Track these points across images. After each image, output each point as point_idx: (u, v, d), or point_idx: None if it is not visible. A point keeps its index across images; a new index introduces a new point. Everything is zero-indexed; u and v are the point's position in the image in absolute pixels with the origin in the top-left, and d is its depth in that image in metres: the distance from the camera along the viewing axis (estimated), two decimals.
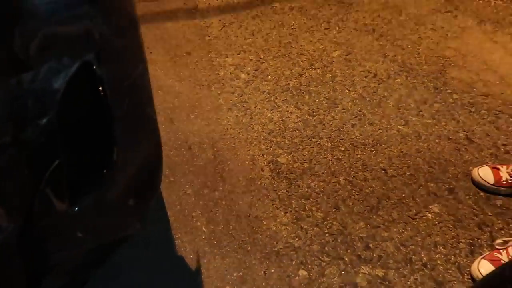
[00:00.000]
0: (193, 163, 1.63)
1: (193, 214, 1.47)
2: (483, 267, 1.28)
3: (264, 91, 1.93)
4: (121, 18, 0.87)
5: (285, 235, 1.41)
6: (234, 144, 1.70)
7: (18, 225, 0.65)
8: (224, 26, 2.29)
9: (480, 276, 1.26)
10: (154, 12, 2.37)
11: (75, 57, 0.70)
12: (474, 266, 1.30)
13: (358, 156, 1.65)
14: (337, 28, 2.27)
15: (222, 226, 1.44)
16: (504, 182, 1.48)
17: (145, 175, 1.00)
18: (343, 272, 1.32)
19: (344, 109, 1.84)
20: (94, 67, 0.71)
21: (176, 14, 2.36)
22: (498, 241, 1.34)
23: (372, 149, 1.67)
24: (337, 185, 1.56)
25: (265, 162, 1.63)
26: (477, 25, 2.26)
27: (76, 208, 0.73)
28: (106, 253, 1.02)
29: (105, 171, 0.80)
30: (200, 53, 2.13)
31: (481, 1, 2.45)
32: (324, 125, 1.77)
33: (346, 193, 1.53)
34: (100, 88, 0.75)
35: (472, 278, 1.30)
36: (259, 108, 1.84)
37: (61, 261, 0.78)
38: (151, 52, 2.10)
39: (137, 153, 0.93)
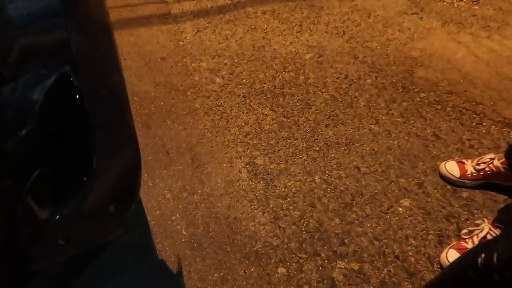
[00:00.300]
0: (171, 167, 1.65)
1: (173, 218, 1.49)
2: (451, 256, 1.35)
3: (240, 95, 1.96)
4: (96, 29, 0.89)
5: (263, 235, 1.45)
6: (211, 147, 1.73)
7: (0, 233, 0.67)
8: (198, 31, 2.32)
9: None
10: (127, 18, 2.38)
11: (52, 69, 0.72)
12: (442, 256, 1.37)
13: (332, 155, 1.71)
14: (309, 31, 2.33)
15: (201, 229, 1.47)
16: (469, 175, 1.56)
17: (125, 181, 1.02)
18: (320, 268, 1.37)
19: (317, 110, 1.90)
20: (72, 79, 0.73)
21: (150, 20, 2.37)
22: (464, 231, 1.42)
23: (345, 148, 1.74)
24: (313, 184, 1.61)
25: (243, 164, 1.67)
26: (441, 26, 2.37)
27: (57, 216, 0.74)
28: (87, 260, 1.03)
29: (85, 178, 0.82)
30: (174, 58, 2.15)
31: (445, 3, 2.57)
32: (298, 126, 1.82)
33: (321, 192, 1.58)
34: (78, 98, 0.76)
35: (441, 267, 1.37)
36: (235, 112, 1.88)
37: (43, 268, 0.79)
38: (125, 59, 2.11)
39: (116, 160, 0.95)
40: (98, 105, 0.84)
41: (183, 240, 1.44)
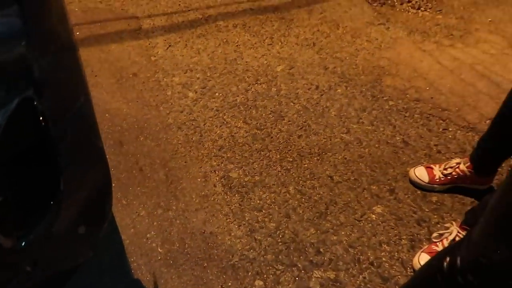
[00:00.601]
0: (145, 184, 1.64)
1: (148, 235, 1.48)
2: (423, 260, 1.38)
3: (213, 108, 1.97)
4: (60, 49, 0.89)
5: (240, 248, 1.46)
6: (185, 162, 1.73)
7: None
8: (169, 45, 2.32)
9: None
10: (98, 34, 2.36)
11: (14, 92, 0.71)
12: (415, 260, 1.40)
13: (306, 165, 1.74)
14: (280, 44, 2.37)
15: (177, 245, 1.46)
16: (438, 180, 1.61)
17: (94, 202, 1.00)
18: (297, 278, 1.38)
19: (290, 121, 1.93)
20: (35, 103, 0.73)
21: (120, 36, 2.37)
22: (435, 234, 1.46)
23: (318, 157, 1.77)
24: (287, 195, 1.63)
25: (217, 178, 1.67)
26: (407, 36, 2.45)
27: (23, 243, 0.73)
28: (59, 284, 1.01)
29: (52, 202, 0.81)
30: (146, 73, 2.15)
31: (409, 13, 2.66)
32: (272, 137, 1.85)
33: (296, 202, 1.60)
34: (42, 121, 0.76)
35: (414, 271, 1.40)
36: (209, 125, 1.89)
37: None
38: (96, 75, 2.09)
39: (84, 181, 0.94)
40: (64, 128, 0.84)
41: (159, 257, 1.43)
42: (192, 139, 1.82)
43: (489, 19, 2.62)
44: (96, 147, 0.98)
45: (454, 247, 0.90)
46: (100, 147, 1.00)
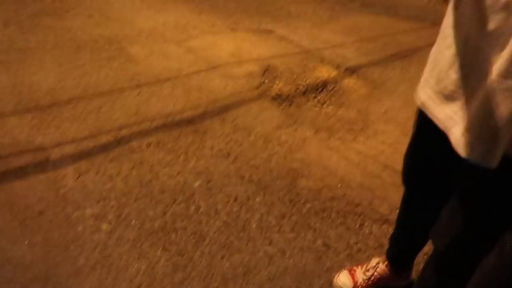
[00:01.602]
0: None
1: None
2: None
3: (129, 239, 1.87)
4: None
5: None
6: None
7: None
8: (80, 175, 2.24)
9: None
10: None
11: None
12: None
13: None
14: (195, 158, 2.39)
15: None
16: (360, 285, 1.62)
17: None
18: None
19: (211, 240, 1.88)
20: None
21: (25, 170, 2.24)
22: None
23: (243, 278, 1.71)
24: None
25: None
26: (314, 135, 2.63)
27: None
28: None
29: None
30: (54, 210, 2.01)
31: (315, 110, 2.88)
32: (194, 263, 1.77)
33: None
34: None
35: None
36: (125, 260, 1.77)
37: None
38: None
39: None
40: None
41: None
42: (106, 281, 1.68)
43: (383, 109, 2.93)
44: None
45: None
46: None
